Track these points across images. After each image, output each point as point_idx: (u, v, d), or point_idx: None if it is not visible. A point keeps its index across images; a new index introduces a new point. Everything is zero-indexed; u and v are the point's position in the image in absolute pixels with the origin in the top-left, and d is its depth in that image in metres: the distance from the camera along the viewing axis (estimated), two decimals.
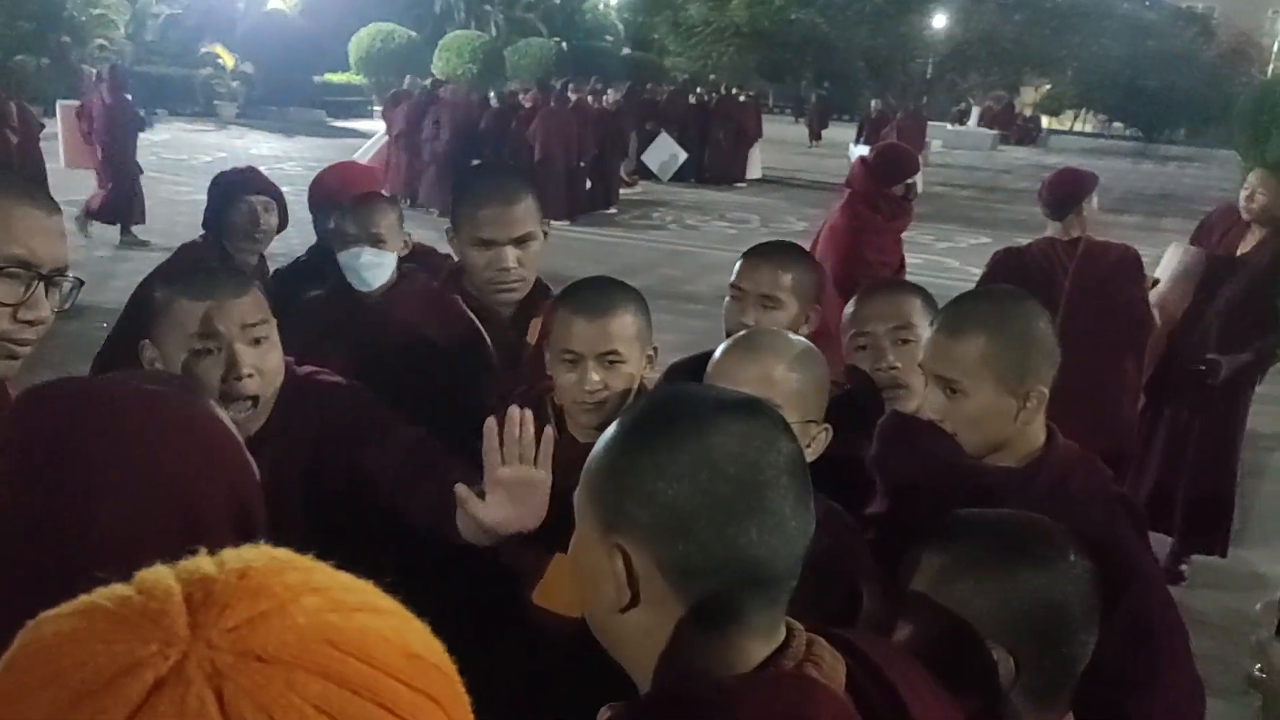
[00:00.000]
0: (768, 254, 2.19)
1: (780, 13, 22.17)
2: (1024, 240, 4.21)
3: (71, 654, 0.51)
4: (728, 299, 2.19)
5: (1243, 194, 4.36)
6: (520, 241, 2.10)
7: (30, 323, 1.43)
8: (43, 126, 9.24)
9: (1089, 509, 1.57)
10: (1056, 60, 25.37)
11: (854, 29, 22.34)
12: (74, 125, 10.74)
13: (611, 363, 1.76)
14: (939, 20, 23.44)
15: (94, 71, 12.30)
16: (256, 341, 1.69)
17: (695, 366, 2.19)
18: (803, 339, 1.71)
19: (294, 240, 3.82)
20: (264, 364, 1.69)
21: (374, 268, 2.70)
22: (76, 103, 11.25)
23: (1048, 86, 36.26)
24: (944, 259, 11.28)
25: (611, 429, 0.98)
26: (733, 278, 2.18)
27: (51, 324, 1.48)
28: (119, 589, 0.55)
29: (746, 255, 2.20)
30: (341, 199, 2.90)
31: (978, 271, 4.26)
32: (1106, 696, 1.40)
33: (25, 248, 1.41)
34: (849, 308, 2.11)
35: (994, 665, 1.22)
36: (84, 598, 0.55)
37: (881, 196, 4.46)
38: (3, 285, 1.40)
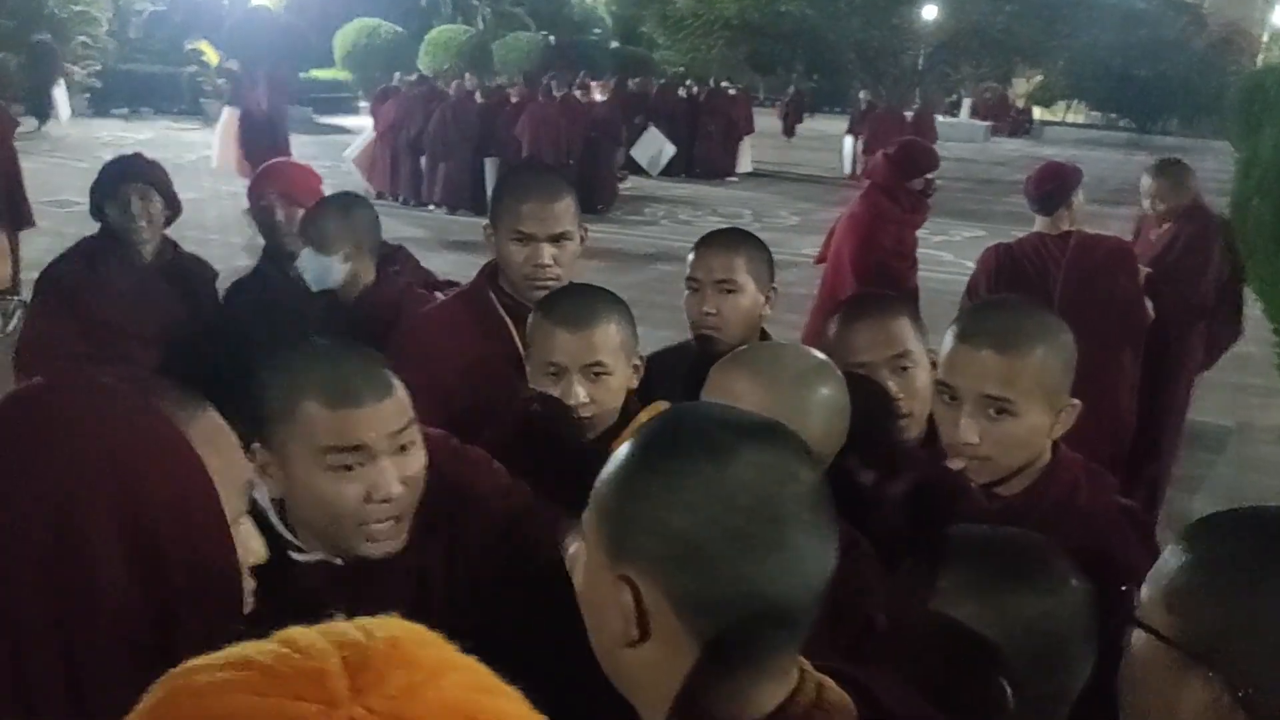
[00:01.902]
0: (718, 240, 2.24)
1: (770, 4, 22.11)
2: (1019, 233, 4.19)
3: (227, 703, 0.52)
4: (686, 293, 2.21)
5: (1145, 201, 4.64)
6: (557, 239, 2.09)
7: None
8: (17, 124, 9.08)
9: (1096, 523, 1.51)
10: (1048, 50, 25.39)
11: (845, 20, 22.31)
12: (232, 134, 10.51)
13: (597, 374, 1.72)
14: (930, 11, 23.41)
15: (253, 74, 11.90)
16: (403, 449, 1.39)
17: (673, 360, 2.19)
18: (820, 354, 1.62)
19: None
20: (410, 472, 1.39)
21: (319, 272, 2.63)
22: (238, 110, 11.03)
23: (1039, 77, 36.27)
24: (938, 253, 11.16)
25: (623, 449, 0.93)
26: (688, 271, 2.20)
27: None
28: (268, 645, 0.55)
29: (697, 246, 2.23)
30: (285, 200, 2.91)
31: (973, 265, 4.21)
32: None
33: None
34: (832, 329, 1.90)
35: (995, 690, 1.16)
36: (232, 649, 0.56)
37: (901, 190, 4.53)
38: None
